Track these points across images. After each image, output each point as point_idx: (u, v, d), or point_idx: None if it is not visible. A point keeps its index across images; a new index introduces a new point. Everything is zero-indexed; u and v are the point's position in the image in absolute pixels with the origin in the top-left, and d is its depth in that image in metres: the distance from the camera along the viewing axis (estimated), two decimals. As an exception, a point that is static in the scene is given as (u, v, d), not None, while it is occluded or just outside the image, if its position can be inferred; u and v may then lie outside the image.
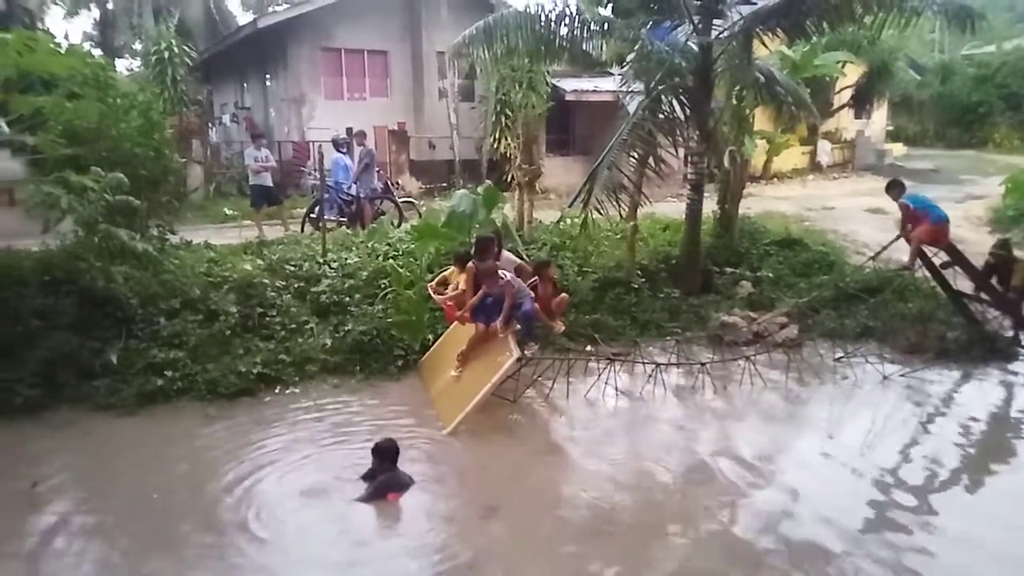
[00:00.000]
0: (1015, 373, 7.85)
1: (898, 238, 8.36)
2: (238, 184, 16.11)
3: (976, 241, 12.25)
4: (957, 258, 7.93)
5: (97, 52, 24.23)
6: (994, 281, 8.30)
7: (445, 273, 7.70)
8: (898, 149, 24.40)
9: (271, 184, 12.43)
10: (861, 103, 21.92)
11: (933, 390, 7.49)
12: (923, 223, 7.98)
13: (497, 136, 12.17)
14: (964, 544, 4.82)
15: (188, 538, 4.89)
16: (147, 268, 7.93)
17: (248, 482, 5.50)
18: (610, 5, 9.64)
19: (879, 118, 24.55)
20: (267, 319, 7.94)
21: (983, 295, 8.23)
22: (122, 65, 29.03)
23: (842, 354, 7.98)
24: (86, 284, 7.43)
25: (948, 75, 26.77)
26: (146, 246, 7.79)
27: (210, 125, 21.38)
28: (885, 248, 8.73)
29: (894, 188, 8.45)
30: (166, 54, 16.17)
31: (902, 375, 7.69)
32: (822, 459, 6.12)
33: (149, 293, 7.79)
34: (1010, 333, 8.30)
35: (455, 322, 7.40)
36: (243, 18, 28.59)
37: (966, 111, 26.12)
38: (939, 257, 8.14)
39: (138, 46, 27.49)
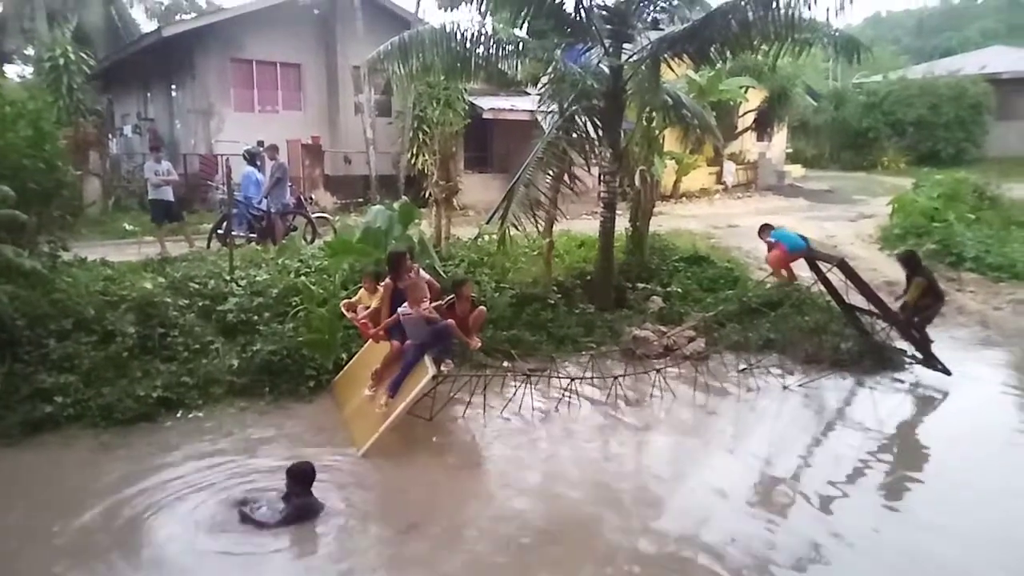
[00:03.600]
0: (902, 381, 8.39)
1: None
2: (139, 198, 15.36)
3: (867, 258, 13.09)
4: (849, 274, 8.42)
5: (-17, 57, 22.69)
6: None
7: (352, 300, 7.55)
8: (797, 170, 25.79)
9: (173, 199, 11.91)
10: (763, 127, 23.10)
11: (829, 398, 7.91)
12: (778, 246, 9.01)
13: (414, 152, 12.13)
14: (865, 543, 5.07)
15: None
16: (35, 287, 7.42)
17: (147, 513, 5.20)
18: (525, 26, 9.79)
19: (779, 141, 25.93)
20: (169, 339, 7.56)
21: (872, 308, 8.77)
22: (12, 71, 27.24)
23: (746, 366, 8.33)
24: (-35, 305, 6.89)
25: (841, 102, 28.53)
26: (35, 263, 7.30)
27: (110, 136, 20.36)
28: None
29: (764, 231, 9.43)
30: (61, 61, 15.35)
31: (800, 385, 8.10)
32: (729, 468, 6.34)
33: (38, 313, 7.28)
34: (898, 343, 8.86)
35: (369, 340, 7.28)
36: (148, 26, 27.44)
37: (857, 136, 27.90)
38: (833, 274, 8.63)
39: (31, 52, 25.88)
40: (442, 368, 6.72)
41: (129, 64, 19.99)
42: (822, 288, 9.11)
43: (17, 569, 4.63)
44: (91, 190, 15.07)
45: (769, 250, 9.34)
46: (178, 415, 6.85)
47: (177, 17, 28.32)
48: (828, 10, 8.52)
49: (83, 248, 9.56)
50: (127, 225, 13.14)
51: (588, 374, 7.85)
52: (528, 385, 7.32)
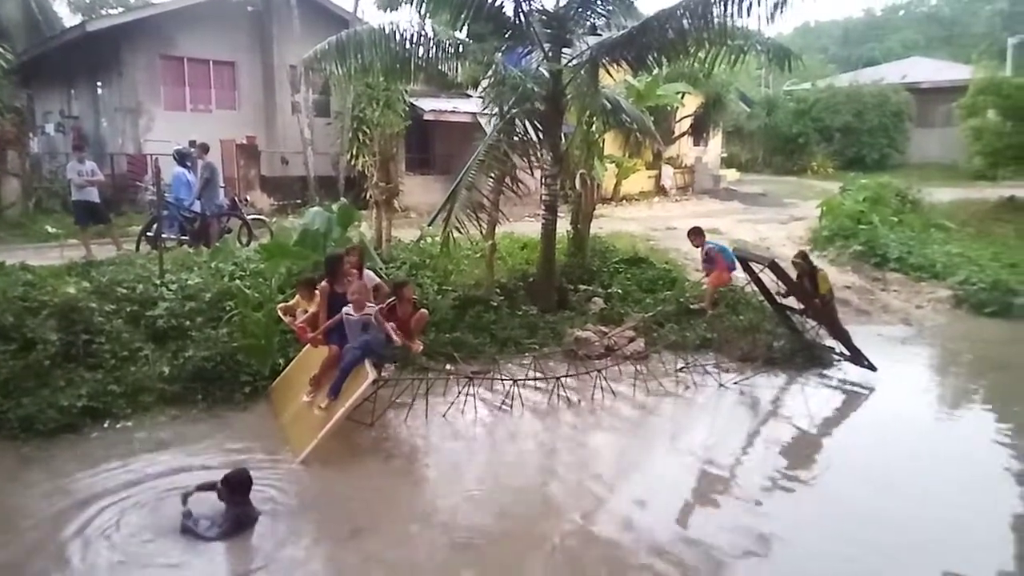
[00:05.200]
0: (830, 378, 8.72)
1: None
2: (62, 200, 14.65)
3: (797, 258, 13.56)
4: (780, 274, 8.71)
5: None
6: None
7: (289, 303, 7.39)
8: (732, 174, 26.55)
9: (98, 200, 11.40)
10: (699, 132, 23.71)
11: (762, 395, 8.15)
12: (720, 265, 9.27)
13: (354, 153, 11.98)
14: (798, 534, 5.24)
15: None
16: (-53, 293, 7.00)
17: (70, 529, 4.95)
18: (464, 29, 9.77)
19: (715, 146, 26.67)
20: (94, 347, 7.22)
21: (803, 307, 9.09)
22: (-79, 64, 25.60)
23: (683, 364, 8.51)
24: None
25: (773, 108, 29.52)
26: (-55, 268, 6.89)
27: (31, 135, 19.36)
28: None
29: (697, 235, 9.72)
30: (-25, 54, 14.49)
31: (736, 382, 8.32)
32: (669, 463, 6.49)
33: (-51, 321, 6.88)
34: (827, 341, 9.19)
35: (307, 345, 7.13)
36: (71, 20, 26.25)
37: (788, 141, 28.93)
38: (765, 274, 8.90)
39: (-59, 43, 24.37)
40: (382, 372, 6.63)
41: (51, 59, 19.05)
42: (755, 288, 9.40)
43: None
44: (9, 191, 14.34)
45: (705, 258, 9.61)
46: (105, 425, 6.56)
47: (103, 11, 27.19)
48: (760, 19, 8.80)
49: (1, 252, 9.07)
50: (49, 228, 12.51)
51: (530, 375, 7.88)
52: (471, 388, 7.30)
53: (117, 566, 4.63)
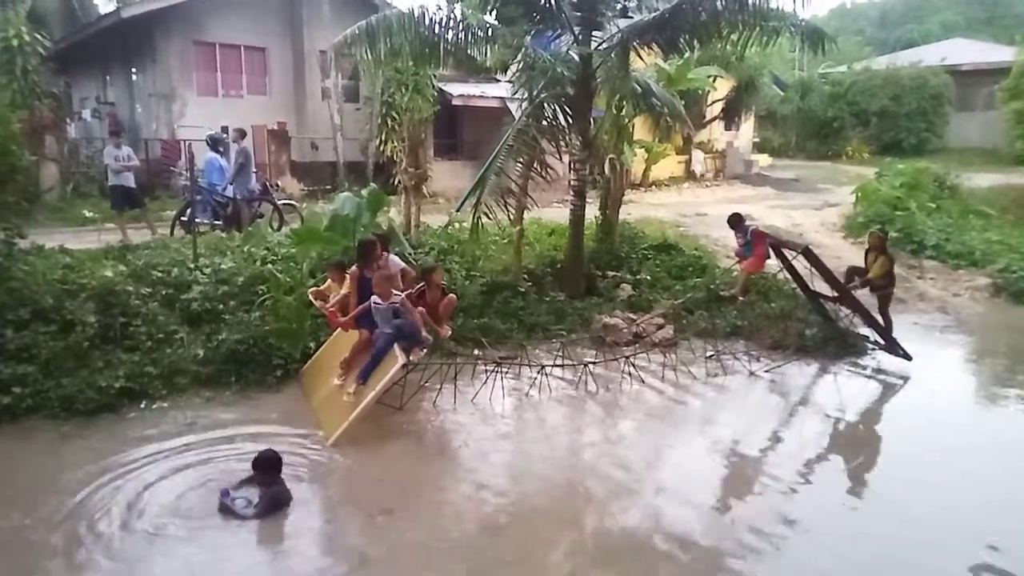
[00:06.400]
0: (864, 367, 8.57)
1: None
2: (99, 184, 14.94)
3: (832, 245, 13.34)
4: (814, 261, 8.56)
5: (-69, 36, 21.76)
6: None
7: (320, 288, 7.47)
8: (764, 160, 26.13)
9: (134, 185, 11.60)
10: (730, 116, 23.33)
11: (793, 384, 8.05)
12: (758, 248, 9.02)
13: (383, 139, 12.00)
14: (823, 528, 5.19)
15: (45, 569, 4.45)
16: (-10, 275, 7.18)
17: (110, 505, 5.09)
18: (494, 12, 9.71)
19: (747, 130, 26.23)
20: (131, 329, 7.38)
21: (836, 295, 8.94)
22: (-38, 52, 26.20)
23: (713, 352, 8.43)
24: (-84, 293, 6.65)
25: (807, 91, 28.93)
26: (-11, 251, 7.07)
27: (68, 120, 19.73)
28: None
29: (738, 220, 9.40)
30: (15, 42, 14.76)
31: (767, 371, 8.23)
32: (698, 451, 6.44)
33: (-7, 303, 7.07)
34: (861, 330, 9.03)
35: (338, 329, 7.20)
36: (106, 7, 26.59)
37: (822, 125, 28.35)
38: (798, 261, 8.76)
39: (-18, 31, 24.90)
40: (411, 357, 6.67)
41: (87, 46, 19.36)
42: (787, 275, 9.26)
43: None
44: (48, 175, 14.62)
45: (743, 242, 9.42)
46: (142, 406, 6.71)
47: (137, -2, 27.49)
48: (795, 0, 8.63)
49: (40, 235, 9.27)
50: (86, 212, 12.77)
51: (558, 362, 7.87)
52: (498, 373, 7.32)
53: (152, 539, 4.76)
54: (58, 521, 4.92)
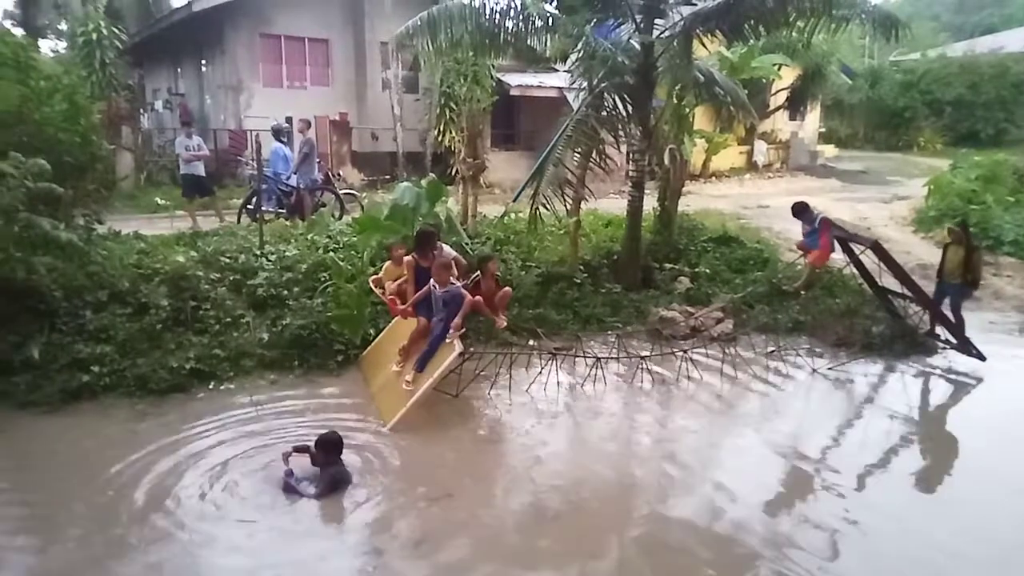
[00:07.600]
0: (933, 366, 8.25)
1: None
2: (171, 173, 15.56)
3: (901, 240, 12.85)
4: (883, 256, 8.26)
5: (18, 31, 23.02)
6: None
7: (379, 275, 7.61)
8: (830, 150, 25.31)
9: (204, 174, 12.04)
10: (795, 105, 22.65)
11: (858, 383, 7.80)
12: (824, 240, 8.87)
13: (441, 129, 12.07)
14: (886, 533, 5.04)
15: (122, 541, 4.69)
16: (72, 259, 7.54)
17: (184, 480, 5.33)
18: (554, 1, 9.66)
19: (812, 120, 25.42)
20: (200, 312, 7.69)
21: (906, 292, 8.62)
22: (46, 46, 27.64)
23: (774, 348, 8.24)
24: (5, 275, 7.00)
25: (877, 80, 27.88)
26: (71, 236, 7.40)
27: (141, 111, 20.60)
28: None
29: (803, 210, 9.30)
30: (94, 36, 15.48)
31: (830, 368, 8.00)
32: (755, 449, 6.31)
33: (74, 285, 7.45)
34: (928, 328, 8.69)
35: (397, 316, 7.33)
36: (178, 1, 27.54)
37: (893, 115, 27.28)
38: (866, 256, 8.47)
39: (64, 26, 26.20)
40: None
41: (160, 39, 20.14)
42: (854, 270, 8.97)
43: (65, 535, 4.78)
44: (124, 164, 15.27)
45: (810, 231, 9.21)
46: (210, 386, 6.99)
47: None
48: (867, -15, 8.31)
49: (117, 221, 9.72)
50: (159, 199, 13.30)
51: (614, 354, 7.83)
52: (554, 363, 7.33)
53: (212, 516, 4.96)
54: (137, 493, 5.16)
